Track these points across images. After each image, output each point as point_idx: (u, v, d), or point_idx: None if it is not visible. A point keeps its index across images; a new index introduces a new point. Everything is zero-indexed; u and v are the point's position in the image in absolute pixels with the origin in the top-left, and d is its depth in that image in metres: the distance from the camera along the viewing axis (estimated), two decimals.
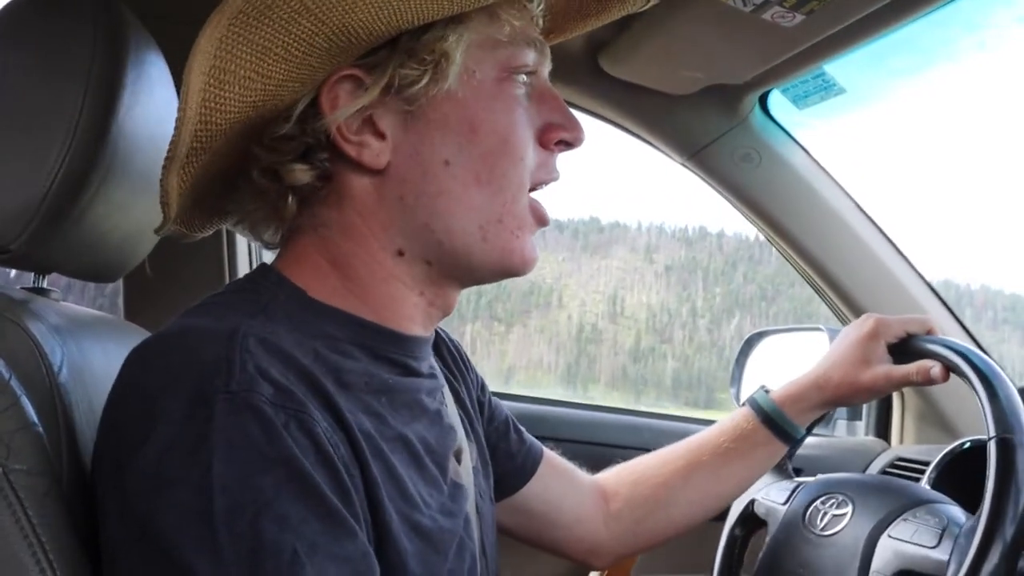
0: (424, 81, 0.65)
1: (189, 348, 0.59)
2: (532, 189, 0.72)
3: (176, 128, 0.64)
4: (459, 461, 0.76)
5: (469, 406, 0.88)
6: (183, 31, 1.37)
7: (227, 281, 1.48)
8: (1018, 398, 0.87)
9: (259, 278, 0.70)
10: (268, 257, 1.55)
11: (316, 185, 0.68)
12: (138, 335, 0.92)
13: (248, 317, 0.63)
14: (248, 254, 1.54)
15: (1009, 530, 0.80)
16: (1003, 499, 0.81)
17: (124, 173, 0.76)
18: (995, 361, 0.94)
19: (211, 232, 0.80)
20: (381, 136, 0.67)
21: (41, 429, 0.60)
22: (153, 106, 0.80)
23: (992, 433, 0.85)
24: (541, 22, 0.73)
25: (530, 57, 0.71)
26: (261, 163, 0.67)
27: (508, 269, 0.72)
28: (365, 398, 0.66)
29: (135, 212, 0.82)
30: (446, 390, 0.81)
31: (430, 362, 0.78)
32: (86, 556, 0.61)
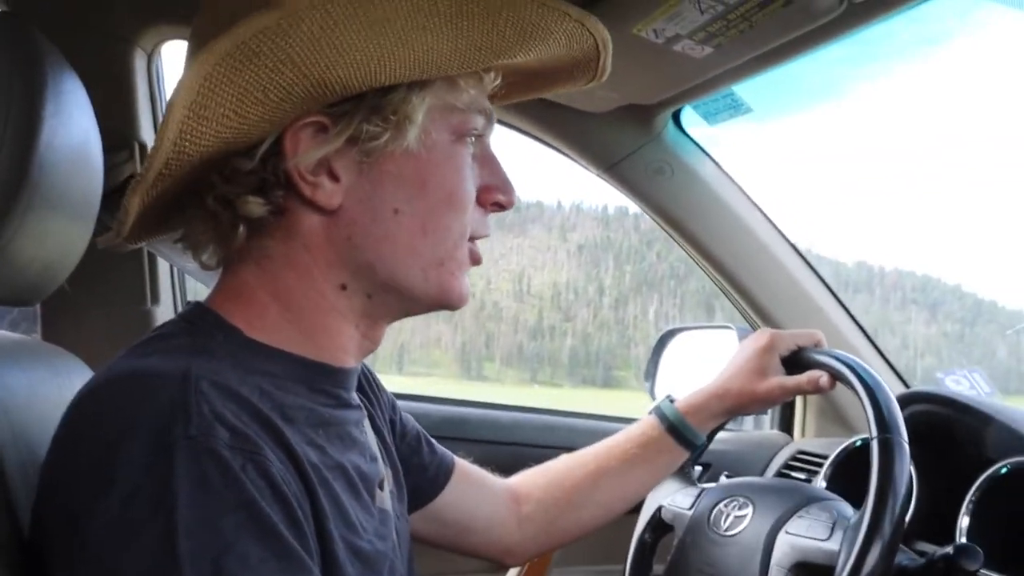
0: (385, 138, 0.69)
1: (143, 392, 0.60)
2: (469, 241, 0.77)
3: (151, 154, 0.66)
4: (381, 488, 0.80)
5: (384, 430, 0.91)
6: (102, 48, 1.37)
7: (148, 300, 1.47)
8: (895, 401, 0.95)
9: (195, 319, 0.72)
10: (191, 282, 1.55)
11: (268, 219, 0.70)
12: (60, 357, 0.91)
13: (194, 357, 0.64)
14: (170, 273, 1.53)
15: (889, 523, 0.87)
16: (883, 493, 0.88)
17: (46, 204, 0.76)
18: (883, 368, 1.02)
19: (144, 242, 0.81)
20: (336, 179, 0.70)
21: None
22: (74, 135, 0.79)
23: (874, 434, 0.92)
24: (491, 90, 0.77)
25: (480, 123, 0.75)
26: (216, 191, 0.70)
27: (445, 304, 0.76)
28: (307, 431, 0.69)
29: (58, 239, 0.81)
30: (366, 420, 0.84)
31: (354, 392, 0.81)
32: None
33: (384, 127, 0.69)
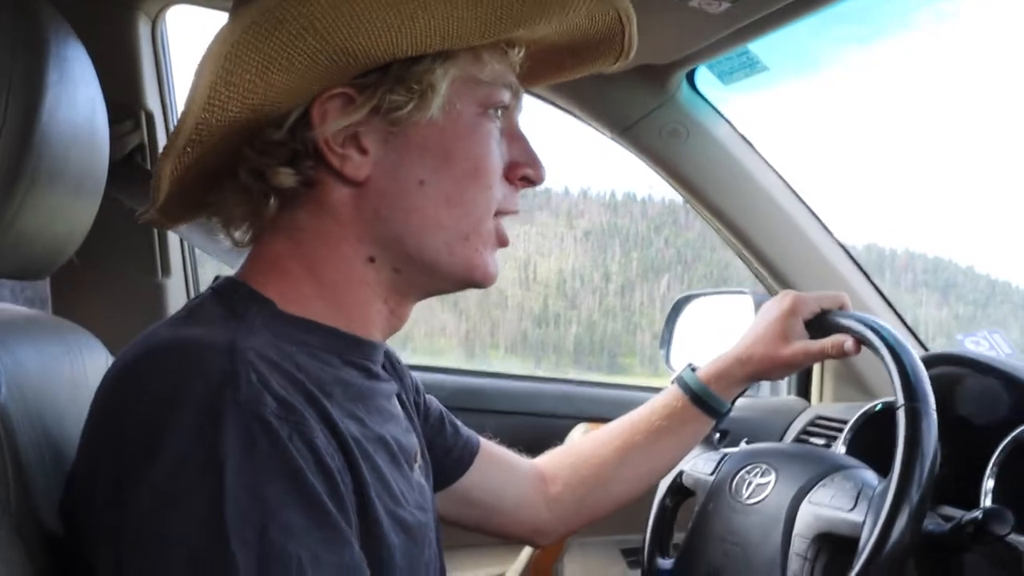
0: (409, 107, 0.70)
1: (193, 361, 0.60)
2: (496, 217, 0.78)
3: (180, 119, 0.67)
4: (416, 461, 0.81)
5: (410, 410, 0.91)
6: (104, 15, 1.35)
7: (159, 274, 1.46)
8: (922, 368, 0.93)
9: (229, 291, 0.72)
10: (201, 253, 1.54)
11: (298, 190, 0.72)
12: (72, 332, 0.90)
13: (235, 328, 0.65)
14: (180, 247, 1.52)
15: (916, 491, 0.86)
16: (911, 463, 0.87)
17: (52, 176, 0.75)
18: (903, 332, 1.00)
19: (184, 224, 0.83)
20: (364, 151, 0.71)
21: None
22: (78, 105, 0.78)
23: (901, 402, 0.90)
24: (518, 68, 0.78)
25: (506, 97, 0.76)
26: (249, 163, 0.71)
27: (470, 281, 0.77)
28: (346, 404, 0.70)
29: (65, 212, 0.80)
30: (395, 397, 0.84)
31: (382, 367, 0.81)
32: None
33: (408, 96, 0.70)
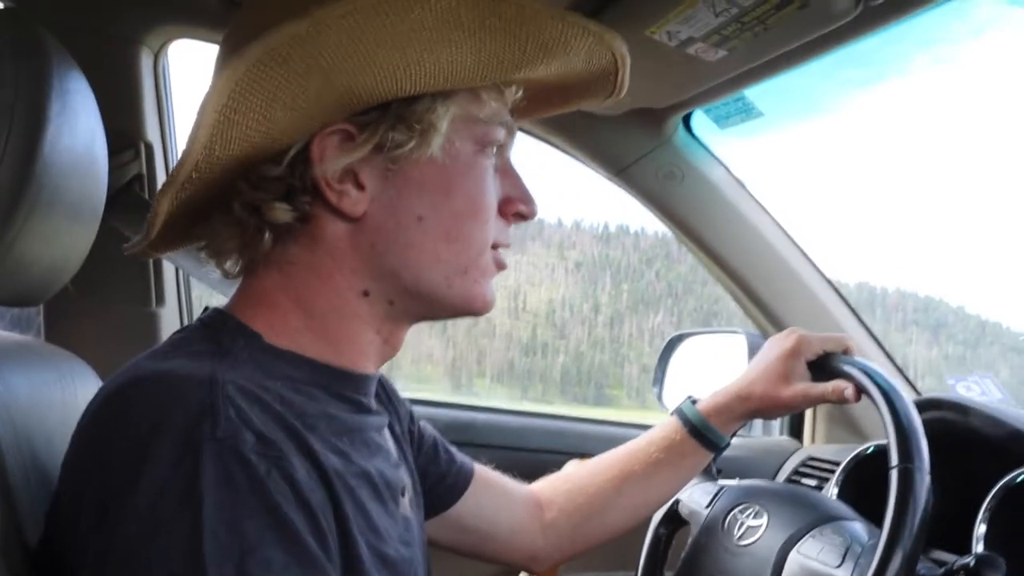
0: (411, 145, 0.71)
1: (174, 393, 0.60)
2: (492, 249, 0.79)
3: (182, 155, 0.67)
4: (403, 495, 0.80)
5: (403, 440, 0.91)
6: (108, 48, 1.37)
7: (153, 301, 1.46)
8: (919, 425, 0.91)
9: (216, 324, 0.72)
10: (196, 283, 1.54)
11: (293, 225, 0.72)
12: (64, 359, 0.90)
13: (217, 361, 0.65)
14: (175, 275, 1.52)
15: (904, 555, 0.85)
16: (900, 527, 0.85)
17: (51, 205, 0.75)
18: (894, 375, 0.99)
19: (169, 251, 0.82)
20: (361, 187, 0.72)
21: None
22: (78, 135, 0.79)
23: (894, 462, 0.89)
24: (511, 104, 0.79)
25: (501, 135, 0.77)
26: (244, 198, 0.71)
27: (469, 311, 0.78)
28: (330, 438, 0.69)
29: (62, 240, 0.80)
30: (386, 428, 0.84)
31: (373, 399, 0.81)
32: None
33: (409, 135, 0.71)
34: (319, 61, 0.65)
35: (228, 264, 0.76)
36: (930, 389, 1.68)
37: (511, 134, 0.79)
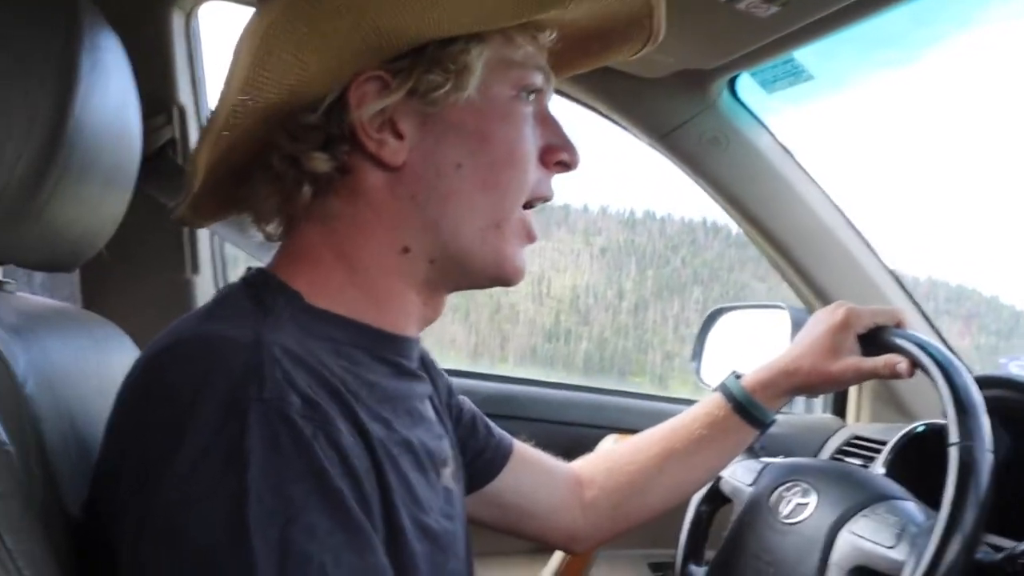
0: (446, 88, 0.70)
1: (217, 355, 0.59)
2: (528, 205, 0.77)
3: (217, 104, 0.67)
4: (446, 467, 0.79)
5: (443, 412, 0.89)
6: (139, 8, 1.35)
7: (188, 269, 1.46)
8: (980, 401, 0.88)
9: (258, 283, 0.71)
10: (230, 250, 1.54)
11: (332, 176, 0.71)
12: (100, 325, 0.90)
13: (261, 322, 0.64)
14: (210, 244, 1.51)
15: (965, 534, 0.81)
16: (961, 507, 0.82)
17: (83, 166, 0.74)
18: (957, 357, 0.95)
19: (215, 222, 0.82)
20: (400, 136, 0.71)
21: (11, 447, 0.58)
22: (111, 96, 0.77)
23: (954, 439, 0.86)
24: (547, 49, 0.77)
25: (538, 80, 0.76)
26: (283, 150, 0.70)
27: (500, 275, 0.76)
28: (373, 405, 0.68)
29: (95, 202, 0.79)
30: (428, 398, 0.82)
31: (416, 365, 0.79)
32: None
33: (444, 77, 0.69)
34: (348, 1, 0.65)
35: (270, 227, 0.76)
36: (988, 372, 1.64)
37: (548, 81, 0.78)
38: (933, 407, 0.89)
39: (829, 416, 1.79)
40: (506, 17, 0.70)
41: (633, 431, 1.16)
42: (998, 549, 0.90)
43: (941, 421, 0.89)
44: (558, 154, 0.77)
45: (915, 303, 1.64)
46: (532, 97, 0.75)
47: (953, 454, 0.85)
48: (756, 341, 1.59)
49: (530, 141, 0.75)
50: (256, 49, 0.65)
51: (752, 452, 1.14)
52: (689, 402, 1.59)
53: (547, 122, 0.78)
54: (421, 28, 0.67)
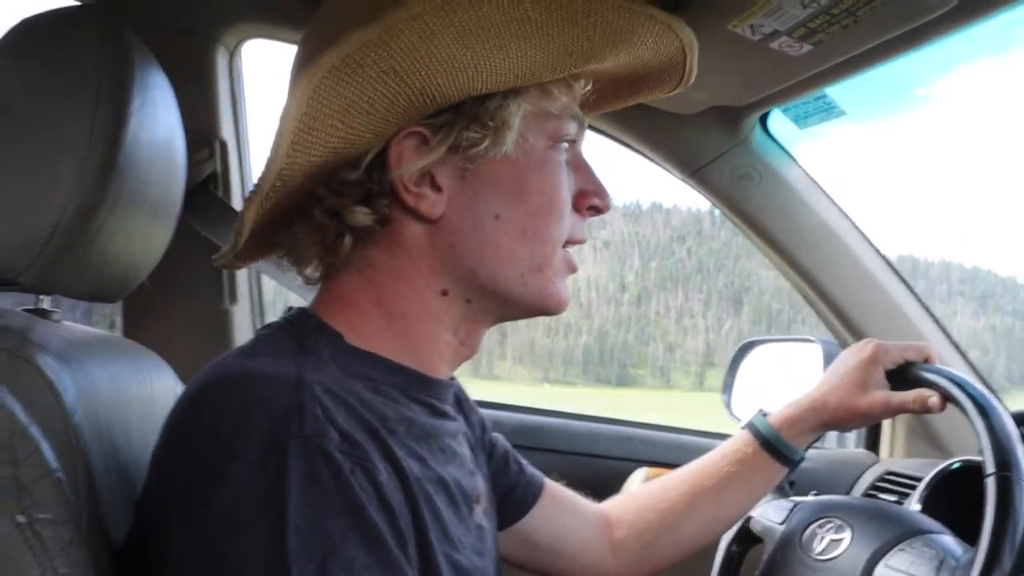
0: (485, 144, 0.71)
1: (259, 392, 0.61)
2: (564, 247, 0.78)
3: (266, 165, 0.69)
4: (479, 503, 0.80)
5: (476, 448, 0.90)
6: (186, 46, 1.39)
7: (227, 300, 1.49)
8: (1015, 432, 0.87)
9: (300, 322, 0.73)
10: (267, 282, 1.56)
11: (373, 228, 0.72)
12: (142, 354, 0.91)
13: (301, 360, 0.66)
14: (248, 275, 1.54)
15: (1006, 566, 0.80)
16: (1001, 538, 0.81)
17: (132, 200, 0.76)
18: (990, 390, 0.95)
19: (254, 261, 0.84)
20: (438, 189, 0.73)
21: (62, 474, 0.60)
22: (159, 131, 0.80)
23: (991, 470, 0.85)
24: (580, 98, 0.79)
25: (572, 129, 0.77)
26: (324, 203, 0.72)
27: (544, 310, 0.78)
28: (408, 443, 0.70)
29: (142, 234, 0.82)
30: (462, 435, 0.83)
31: (450, 405, 0.81)
32: None
33: (483, 133, 0.71)
34: (392, 65, 0.66)
35: (308, 270, 0.77)
36: (976, 360, 1.62)
37: (582, 128, 0.79)
38: (968, 443, 0.89)
39: (862, 451, 1.77)
40: (545, 73, 0.72)
41: (662, 464, 1.16)
42: None
43: (977, 458, 0.89)
44: (591, 199, 0.79)
45: (949, 338, 1.63)
46: (567, 145, 0.77)
47: (990, 485, 0.84)
48: (788, 374, 1.57)
49: (566, 189, 0.76)
50: (302, 115, 0.67)
51: (782, 491, 1.13)
52: (717, 435, 1.58)
53: (581, 168, 0.79)
54: (463, 88, 0.69)
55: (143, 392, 0.85)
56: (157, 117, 0.79)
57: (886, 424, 1.74)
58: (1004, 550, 0.81)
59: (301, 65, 0.72)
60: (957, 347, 1.64)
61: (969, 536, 0.90)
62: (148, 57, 0.79)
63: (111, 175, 0.71)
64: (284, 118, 0.67)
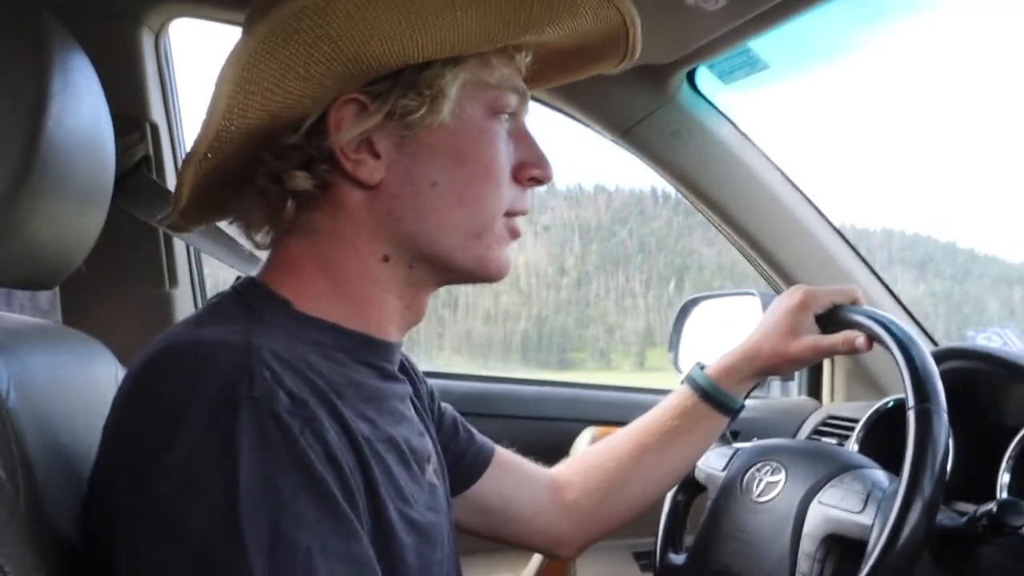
0: (422, 112, 0.72)
1: (208, 357, 0.62)
2: (507, 216, 0.80)
3: (202, 127, 0.70)
4: (429, 463, 0.81)
5: (424, 414, 0.91)
6: (108, 28, 1.37)
7: (167, 283, 1.48)
8: (934, 366, 0.91)
9: (247, 290, 0.74)
10: (207, 263, 1.55)
11: (314, 193, 0.74)
12: (82, 341, 0.91)
13: (250, 327, 0.67)
14: (187, 255, 1.53)
15: (926, 494, 0.84)
16: (921, 465, 0.85)
17: (57, 185, 0.75)
18: (912, 328, 0.99)
19: (203, 226, 0.85)
20: (377, 156, 0.74)
21: None
22: (83, 115, 0.79)
23: (911, 403, 0.89)
24: (524, 71, 0.80)
25: (513, 101, 0.78)
26: (266, 167, 0.73)
27: (483, 276, 0.80)
28: (357, 404, 0.71)
29: (71, 220, 0.81)
30: (410, 399, 0.85)
31: (397, 368, 0.82)
32: None
33: (420, 101, 0.72)
34: (328, 31, 0.67)
35: (259, 236, 0.79)
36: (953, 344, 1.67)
37: (524, 100, 0.80)
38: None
39: (804, 398, 1.83)
40: (483, 43, 0.73)
41: (608, 423, 1.18)
42: (964, 514, 0.94)
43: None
44: (531, 170, 0.80)
45: (879, 279, 1.68)
46: (507, 116, 0.78)
47: (911, 417, 0.89)
48: (729, 328, 1.62)
49: (504, 158, 0.78)
50: (238, 77, 0.67)
51: (724, 439, 1.17)
52: (661, 391, 1.62)
53: (522, 139, 0.80)
54: (399, 56, 0.70)
55: (83, 378, 0.85)
56: (81, 102, 0.78)
57: (826, 370, 1.80)
58: (924, 479, 0.85)
59: (243, 31, 0.72)
60: (890, 291, 1.70)
61: (901, 470, 0.94)
62: (68, 41, 0.78)
63: (34, 161, 0.70)
64: (220, 82, 0.68)
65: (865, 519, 0.91)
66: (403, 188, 0.74)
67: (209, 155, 0.71)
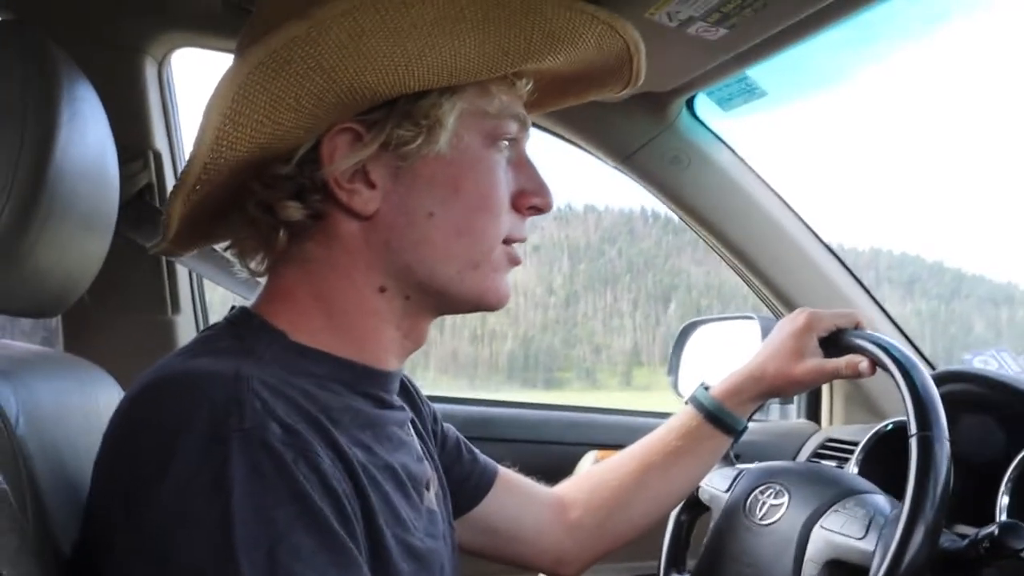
0: (418, 142, 0.71)
1: (199, 389, 0.61)
2: (505, 244, 0.78)
3: (189, 159, 0.68)
4: (428, 489, 0.81)
5: (427, 438, 0.91)
6: (113, 58, 1.38)
7: (169, 309, 1.48)
8: (936, 394, 0.91)
9: (241, 322, 0.73)
10: (209, 286, 1.56)
11: (307, 223, 0.72)
12: (85, 368, 0.91)
13: (242, 359, 0.66)
14: (189, 284, 1.53)
15: (927, 522, 0.85)
16: (923, 493, 0.86)
17: (64, 214, 0.76)
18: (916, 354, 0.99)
19: (195, 251, 0.84)
20: (372, 186, 0.72)
21: (5, 485, 0.60)
22: (89, 144, 0.79)
23: (913, 430, 0.89)
24: (525, 98, 0.79)
25: (513, 129, 0.76)
26: (257, 197, 0.72)
27: (482, 306, 0.78)
28: (353, 432, 0.70)
29: (76, 248, 0.81)
30: (410, 424, 0.84)
31: (396, 395, 0.81)
32: None
33: (415, 131, 0.71)
34: (320, 62, 0.66)
35: (253, 264, 0.77)
36: (951, 367, 1.68)
37: (524, 127, 0.78)
38: (900, 405, 0.93)
39: (804, 421, 1.83)
40: (481, 72, 0.71)
41: (610, 446, 1.18)
42: (965, 536, 0.94)
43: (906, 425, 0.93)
44: (531, 199, 0.79)
45: (878, 304, 1.69)
46: (507, 144, 0.77)
47: (913, 445, 0.89)
48: (729, 351, 1.62)
49: (503, 187, 0.76)
50: (227, 109, 0.66)
51: (728, 460, 1.17)
52: (662, 414, 1.62)
53: (522, 166, 0.79)
54: (394, 86, 0.68)
55: (87, 405, 0.85)
56: (87, 130, 0.79)
57: (825, 393, 1.80)
58: (926, 505, 0.85)
59: (234, 58, 0.71)
60: (889, 316, 1.70)
61: (902, 494, 0.94)
62: (75, 71, 0.79)
63: (42, 191, 0.71)
64: (208, 113, 0.66)
65: (867, 545, 0.91)
66: (399, 219, 0.72)
67: (197, 187, 0.70)
